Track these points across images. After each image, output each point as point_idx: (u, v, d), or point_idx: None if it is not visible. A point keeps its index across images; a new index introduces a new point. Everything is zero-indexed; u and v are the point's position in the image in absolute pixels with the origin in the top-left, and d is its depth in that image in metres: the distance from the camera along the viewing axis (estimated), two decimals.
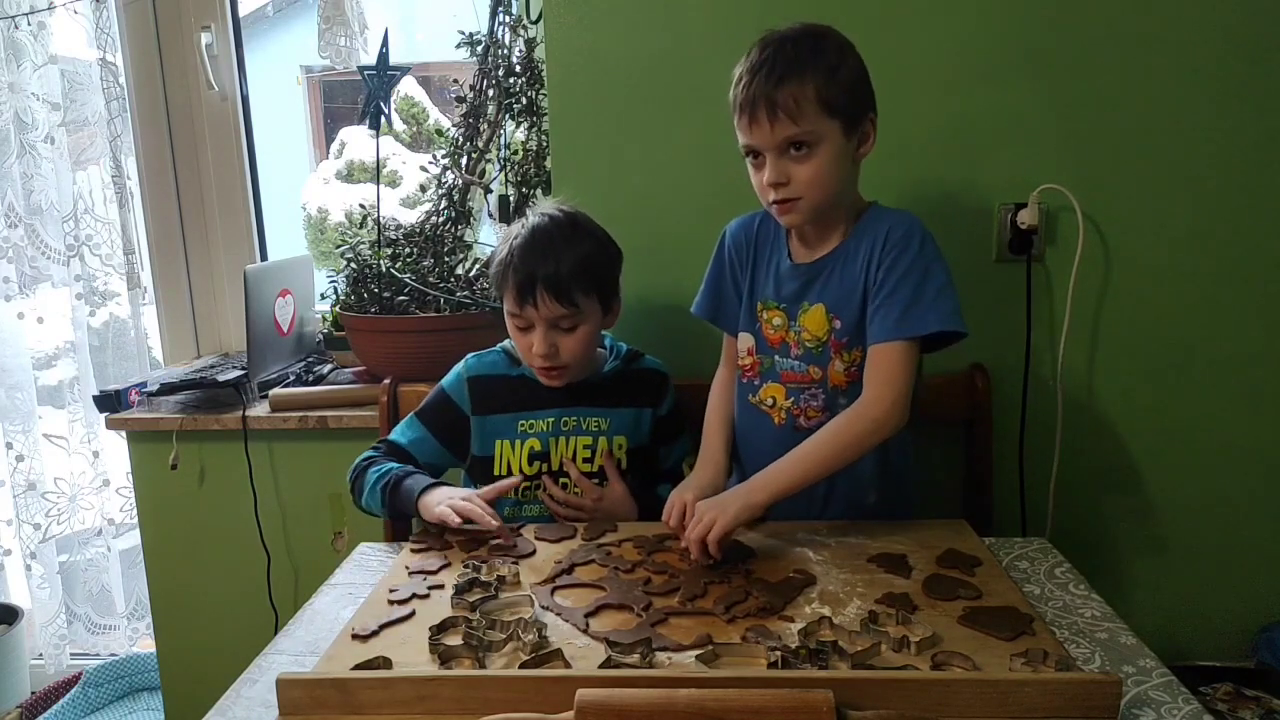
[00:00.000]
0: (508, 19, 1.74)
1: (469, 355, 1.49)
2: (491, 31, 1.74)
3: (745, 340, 1.36)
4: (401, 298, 1.70)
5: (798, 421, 1.31)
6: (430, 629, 0.99)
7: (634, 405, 1.47)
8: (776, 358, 1.32)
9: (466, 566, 1.16)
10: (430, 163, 1.82)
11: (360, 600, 1.12)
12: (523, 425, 1.44)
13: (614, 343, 1.53)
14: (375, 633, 1.01)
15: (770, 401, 1.34)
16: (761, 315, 1.34)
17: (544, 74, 1.66)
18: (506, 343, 1.50)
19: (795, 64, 1.15)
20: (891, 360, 1.19)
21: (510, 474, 1.44)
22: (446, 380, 1.48)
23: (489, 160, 1.80)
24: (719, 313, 1.41)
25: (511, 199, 1.79)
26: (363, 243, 1.79)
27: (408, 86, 2.55)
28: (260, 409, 1.78)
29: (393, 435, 1.48)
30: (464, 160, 1.78)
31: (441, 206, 1.79)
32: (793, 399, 1.31)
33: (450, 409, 1.46)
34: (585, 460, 1.44)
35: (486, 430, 1.45)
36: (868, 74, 1.23)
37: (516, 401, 1.44)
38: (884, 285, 1.20)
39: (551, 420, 1.44)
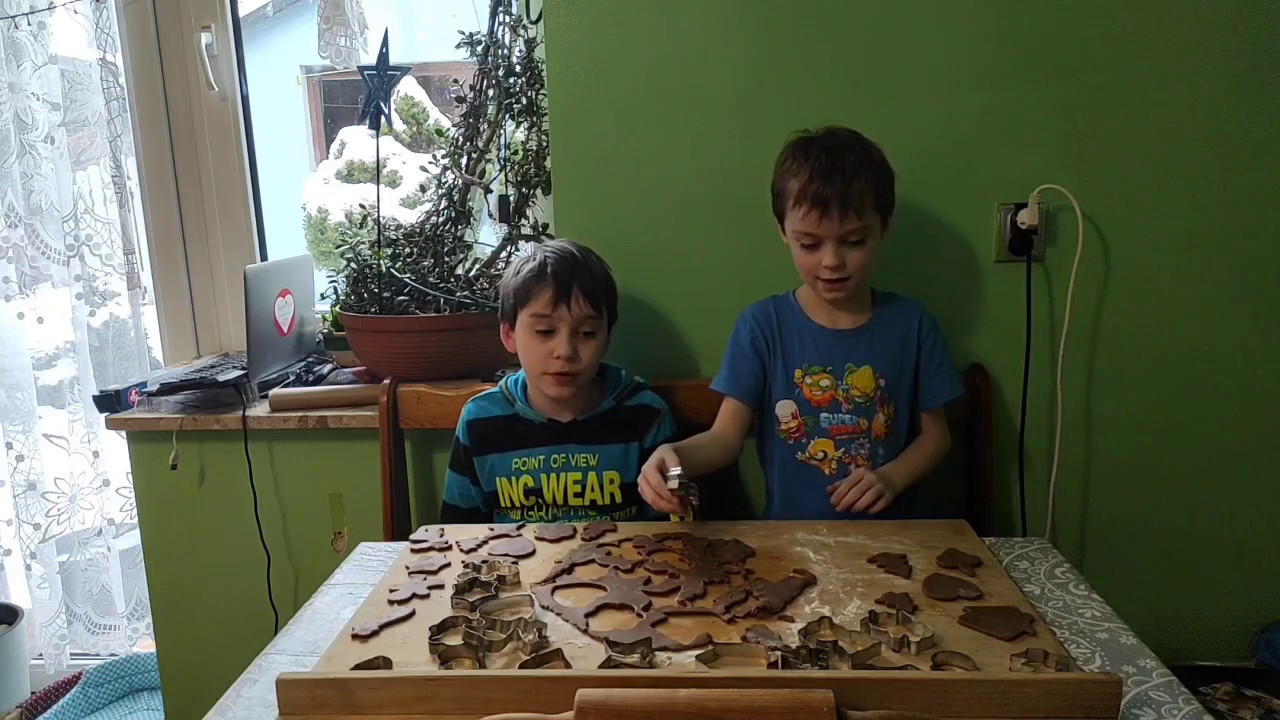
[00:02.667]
0: (508, 19, 1.74)
1: (470, 400, 1.57)
2: (491, 31, 1.74)
3: (787, 407, 1.48)
4: (401, 298, 1.70)
5: (848, 469, 1.45)
6: (430, 629, 0.99)
7: (622, 440, 1.51)
8: (823, 415, 1.46)
9: (466, 566, 1.16)
10: (430, 163, 1.82)
11: (360, 600, 1.12)
12: (516, 463, 1.51)
13: (615, 376, 1.55)
14: (375, 633, 1.01)
15: (820, 455, 1.47)
16: (803, 381, 1.47)
17: (544, 74, 1.66)
18: (503, 383, 1.56)
19: (860, 167, 1.35)
20: (942, 415, 1.51)
21: (513, 508, 1.51)
22: (457, 427, 1.56)
23: (489, 160, 1.80)
24: (738, 387, 1.50)
25: (511, 199, 1.79)
26: (363, 243, 1.79)
27: (408, 86, 2.54)
28: (260, 409, 1.78)
29: (445, 497, 1.59)
30: (464, 160, 1.78)
31: (441, 206, 1.79)
32: (842, 449, 1.46)
33: (466, 454, 1.54)
34: (576, 495, 1.49)
35: (486, 469, 1.53)
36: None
37: (510, 440, 1.52)
38: (931, 361, 1.48)
39: (542, 458, 1.50)
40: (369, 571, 1.23)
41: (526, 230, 1.77)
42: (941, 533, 1.26)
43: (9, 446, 2.15)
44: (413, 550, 1.25)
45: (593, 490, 1.49)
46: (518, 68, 1.75)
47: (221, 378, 1.80)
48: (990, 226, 1.59)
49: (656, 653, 0.94)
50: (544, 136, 1.74)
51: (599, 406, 1.52)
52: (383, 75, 1.71)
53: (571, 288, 1.42)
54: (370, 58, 1.85)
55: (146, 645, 2.22)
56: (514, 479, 1.50)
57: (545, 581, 1.13)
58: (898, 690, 0.83)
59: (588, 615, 1.03)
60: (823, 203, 1.33)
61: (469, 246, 1.82)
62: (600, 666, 0.91)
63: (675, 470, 1.22)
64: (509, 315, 1.49)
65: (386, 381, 1.70)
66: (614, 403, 1.52)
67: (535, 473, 1.50)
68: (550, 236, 1.71)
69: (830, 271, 1.37)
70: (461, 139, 1.78)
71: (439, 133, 2.51)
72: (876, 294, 1.51)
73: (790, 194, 1.38)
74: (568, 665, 0.92)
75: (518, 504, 1.51)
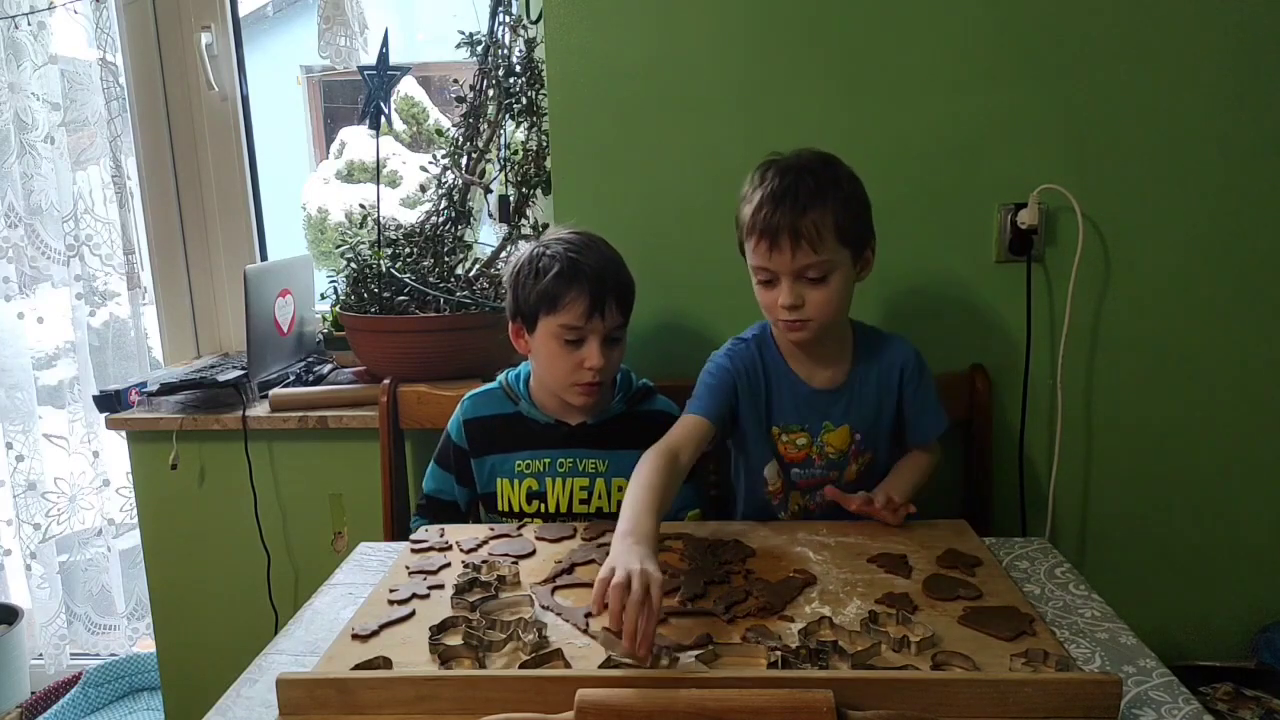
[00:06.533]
0: (508, 19, 1.74)
1: (466, 396, 1.51)
2: (491, 31, 1.74)
3: (773, 468, 1.40)
4: (401, 298, 1.70)
5: (813, 514, 1.41)
6: (430, 629, 0.99)
7: (635, 447, 1.40)
8: (794, 470, 1.40)
9: (466, 566, 1.16)
10: (430, 163, 1.82)
11: (360, 600, 1.12)
12: (519, 465, 1.45)
13: (625, 378, 1.49)
14: (375, 633, 1.01)
15: (796, 509, 1.43)
16: (780, 439, 1.39)
17: (544, 74, 1.66)
18: (502, 377, 1.50)
19: (817, 194, 1.21)
20: (935, 447, 1.44)
21: (512, 511, 1.45)
22: (450, 424, 1.50)
23: (489, 160, 1.80)
24: (711, 412, 1.33)
25: (511, 199, 1.79)
26: (363, 243, 1.79)
27: (408, 86, 2.54)
28: (260, 409, 1.78)
29: (425, 487, 1.53)
30: (464, 160, 1.78)
31: (441, 206, 1.79)
32: (808, 496, 1.42)
33: (458, 453, 1.48)
34: (582, 502, 1.43)
35: (486, 470, 1.47)
36: (869, 202, 1.30)
37: (513, 440, 1.45)
38: (916, 404, 1.39)
39: (547, 461, 1.44)
40: (369, 571, 1.23)
41: (526, 230, 1.77)
42: (941, 533, 1.26)
43: (9, 446, 2.15)
44: (413, 550, 1.25)
45: (600, 497, 1.43)
46: (518, 68, 1.75)
47: (221, 378, 1.80)
48: (990, 226, 1.59)
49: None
50: (544, 136, 1.74)
51: (610, 410, 1.45)
52: (383, 75, 1.71)
53: (606, 297, 1.32)
54: (370, 58, 1.85)
55: (146, 645, 2.22)
56: (517, 481, 1.44)
57: (545, 581, 1.13)
58: (898, 690, 0.83)
59: (588, 615, 1.03)
60: (772, 233, 1.21)
61: (469, 246, 1.82)
62: (600, 666, 0.91)
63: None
64: (527, 318, 1.38)
65: (386, 381, 1.70)
66: (625, 407, 1.46)
67: (540, 475, 1.44)
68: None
69: (787, 312, 1.24)
70: (461, 139, 1.78)
71: (439, 133, 2.51)
72: (859, 334, 1.39)
73: (743, 223, 1.27)
74: (568, 665, 0.92)
75: (517, 509, 1.44)
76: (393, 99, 1.77)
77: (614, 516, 1.39)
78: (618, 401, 1.46)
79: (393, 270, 1.71)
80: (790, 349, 1.37)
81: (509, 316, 1.43)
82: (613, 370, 1.40)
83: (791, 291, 1.24)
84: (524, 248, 1.44)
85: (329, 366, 1.95)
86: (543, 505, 1.44)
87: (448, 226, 1.79)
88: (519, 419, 1.46)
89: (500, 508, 1.46)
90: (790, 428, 1.38)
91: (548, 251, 1.36)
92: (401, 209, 2.16)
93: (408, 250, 1.76)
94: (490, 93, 1.76)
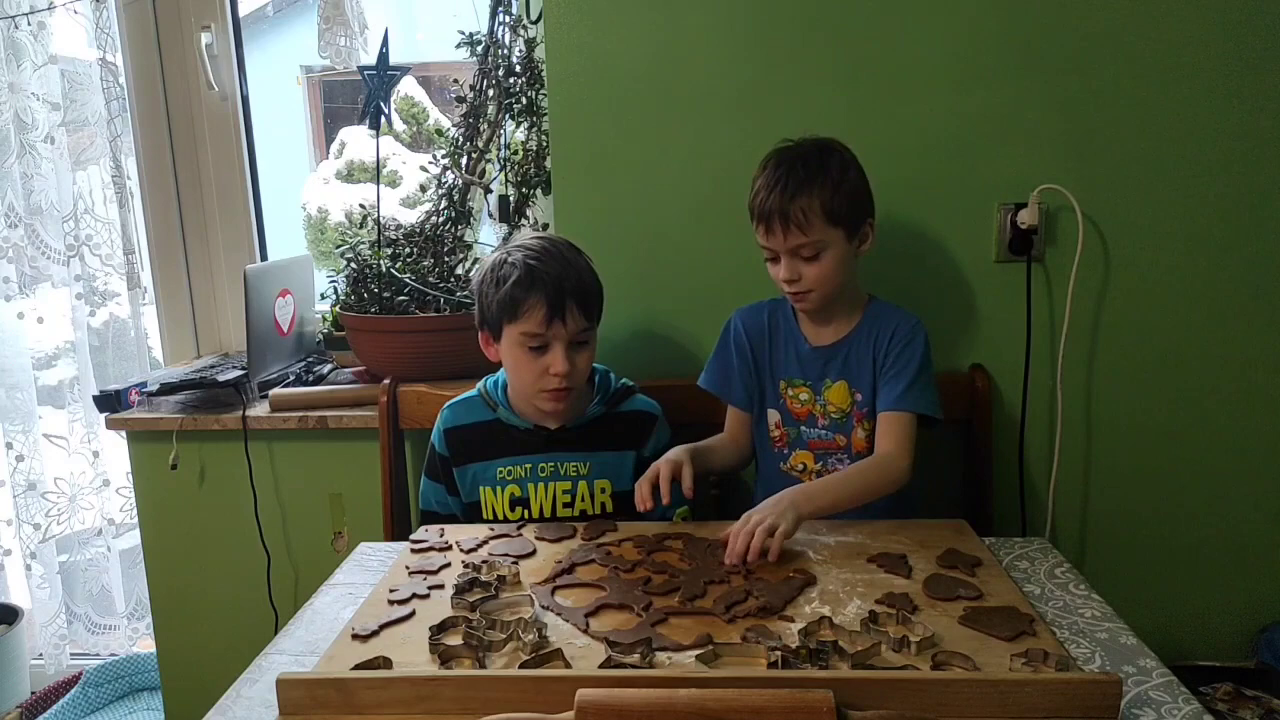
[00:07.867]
0: (508, 19, 1.74)
1: (445, 406, 1.50)
2: (491, 31, 1.74)
3: (772, 416, 1.50)
4: (401, 298, 1.70)
5: (820, 474, 1.45)
6: (430, 629, 0.99)
7: (615, 448, 1.43)
8: (803, 428, 1.47)
9: (466, 566, 1.16)
10: (430, 163, 1.82)
11: (360, 600, 1.12)
12: (501, 472, 1.44)
13: (604, 379, 1.49)
14: (375, 633, 1.01)
15: (801, 467, 1.48)
16: (786, 392, 1.48)
17: (544, 74, 1.66)
18: (481, 385, 1.50)
19: (805, 182, 1.32)
20: (904, 425, 1.37)
21: (496, 520, 1.44)
22: (433, 434, 1.50)
23: (489, 160, 1.80)
24: (728, 388, 1.51)
25: (511, 199, 1.79)
26: (363, 243, 1.79)
27: (408, 86, 2.54)
28: (260, 409, 1.78)
29: (422, 504, 1.53)
30: (464, 160, 1.78)
31: (441, 206, 1.79)
32: (821, 463, 1.46)
33: (444, 462, 1.48)
34: (565, 505, 1.43)
35: (468, 479, 1.46)
36: (868, 182, 1.39)
37: (494, 448, 1.45)
38: (892, 366, 1.40)
39: (528, 466, 1.44)
40: (369, 571, 1.23)
41: (526, 230, 1.77)
42: (941, 533, 1.26)
43: (9, 446, 2.15)
44: (413, 550, 1.25)
45: (583, 500, 1.43)
46: (518, 68, 1.75)
47: (221, 378, 1.80)
48: (990, 226, 1.59)
49: (656, 653, 0.94)
50: (544, 136, 1.74)
51: (588, 412, 1.45)
52: (383, 75, 1.71)
53: (565, 302, 1.33)
54: (370, 58, 1.85)
55: (146, 645, 2.23)
56: (499, 489, 1.44)
57: (545, 581, 1.13)
58: (898, 690, 0.83)
59: (588, 615, 1.03)
60: (766, 217, 1.34)
61: (469, 246, 1.82)
62: (600, 666, 0.91)
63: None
64: (491, 326, 1.39)
65: (386, 381, 1.70)
66: (604, 409, 1.46)
67: (522, 482, 1.43)
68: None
69: (787, 285, 1.37)
70: (461, 139, 1.78)
71: (439, 133, 2.51)
72: (872, 304, 1.46)
73: (748, 206, 1.38)
74: (568, 665, 0.92)
75: (502, 515, 1.44)
76: (393, 99, 1.77)
77: (599, 518, 1.41)
78: (596, 404, 1.46)
79: (393, 270, 1.71)
80: (801, 312, 1.48)
81: (477, 326, 1.44)
82: (580, 375, 1.39)
83: (788, 267, 1.36)
84: (490, 256, 1.44)
85: (329, 366, 1.95)
86: (526, 511, 1.44)
87: (448, 226, 1.79)
88: (498, 426, 1.45)
89: (485, 516, 1.45)
90: (794, 381, 1.47)
91: (508, 259, 1.37)
92: (401, 209, 2.16)
93: (408, 250, 1.76)
94: (490, 93, 1.76)
